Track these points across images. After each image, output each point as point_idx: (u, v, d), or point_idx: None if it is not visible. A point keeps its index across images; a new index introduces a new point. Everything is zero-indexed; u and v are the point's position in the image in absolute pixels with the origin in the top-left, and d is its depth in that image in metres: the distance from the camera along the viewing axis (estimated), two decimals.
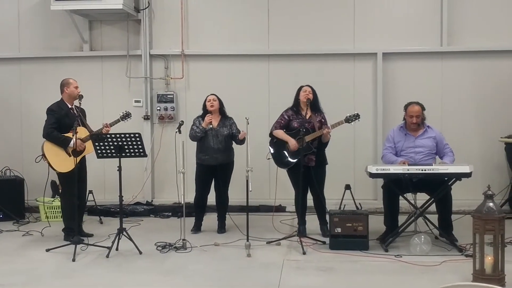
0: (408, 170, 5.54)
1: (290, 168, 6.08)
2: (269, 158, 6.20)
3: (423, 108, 5.94)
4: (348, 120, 5.89)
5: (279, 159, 6.14)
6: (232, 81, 7.47)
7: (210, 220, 6.56)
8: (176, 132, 5.67)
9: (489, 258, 4.53)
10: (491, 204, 4.79)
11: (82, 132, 5.96)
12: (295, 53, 7.44)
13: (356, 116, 5.86)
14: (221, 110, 6.39)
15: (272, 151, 6.15)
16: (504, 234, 4.63)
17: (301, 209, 6.13)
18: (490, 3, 7.06)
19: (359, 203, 6.90)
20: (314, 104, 6.11)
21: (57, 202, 6.96)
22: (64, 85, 6.10)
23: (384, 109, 7.31)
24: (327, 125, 6.00)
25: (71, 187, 5.65)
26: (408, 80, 7.29)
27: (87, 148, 5.99)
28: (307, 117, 6.07)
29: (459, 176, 5.54)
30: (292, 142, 6.01)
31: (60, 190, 6.25)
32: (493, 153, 7.04)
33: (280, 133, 6.14)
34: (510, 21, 6.93)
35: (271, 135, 6.21)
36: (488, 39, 7.03)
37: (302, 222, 6.14)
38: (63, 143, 5.89)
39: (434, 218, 5.83)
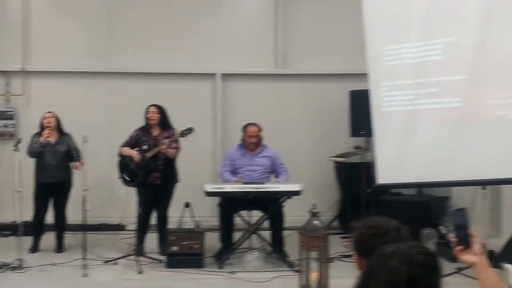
0: (242, 188, 5.59)
1: (136, 186, 5.87)
2: (119, 178, 6.00)
3: (260, 129, 5.98)
4: (182, 134, 5.76)
5: (124, 178, 5.97)
6: (72, 99, 7.09)
7: (49, 239, 6.16)
8: (14, 149, 5.40)
9: (314, 273, 4.56)
10: (316, 221, 4.86)
11: None
12: (136, 72, 7.19)
13: (190, 130, 5.74)
14: (59, 127, 6.09)
15: (119, 170, 5.97)
16: (328, 250, 4.67)
17: (142, 228, 5.95)
18: (322, 29, 7.32)
19: (199, 221, 6.72)
20: (162, 122, 5.97)
21: None
22: None
23: (223, 128, 7.31)
24: (165, 142, 5.80)
25: None
26: (247, 100, 7.36)
27: None
28: (155, 135, 5.93)
29: (289, 194, 5.70)
30: (133, 154, 5.85)
31: None
32: (323, 172, 7.24)
33: (126, 150, 5.97)
34: (339, 46, 7.20)
35: (120, 154, 5.99)
36: (319, 63, 7.28)
37: (140, 241, 5.95)
38: None
39: (268, 234, 5.89)
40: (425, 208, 6.29)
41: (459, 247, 2.03)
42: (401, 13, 5.28)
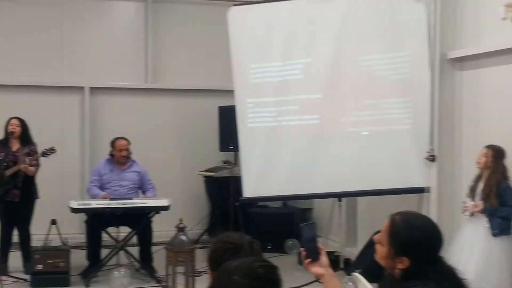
0: (109, 204, 5.47)
1: None
2: None
3: (129, 142, 5.98)
4: (44, 154, 5.55)
5: None
6: None
7: None
8: None
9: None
10: (183, 236, 4.87)
11: None
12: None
13: (52, 150, 5.55)
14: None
15: None
16: (195, 264, 4.71)
17: (4, 246, 5.68)
18: (192, 46, 7.38)
19: (65, 238, 6.46)
20: (23, 136, 5.71)
21: None
22: None
23: (91, 143, 7.13)
24: (25, 160, 5.52)
25: None
26: (116, 115, 7.24)
27: None
28: (15, 150, 5.66)
29: (157, 209, 5.67)
30: None
31: None
32: (193, 186, 7.28)
33: None
34: (209, 63, 7.33)
35: None
36: (190, 79, 7.36)
37: (3, 260, 5.67)
38: None
39: (136, 250, 5.84)
40: (289, 220, 6.54)
41: (307, 260, 2.14)
42: (263, 34, 5.50)
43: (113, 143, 5.98)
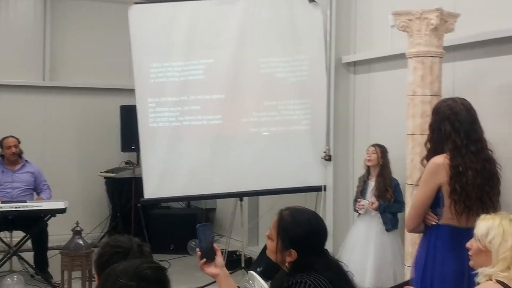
0: (1, 208, 5.22)
1: None
2: None
3: (19, 141, 5.73)
4: None
5: None
6: None
7: None
8: None
9: None
10: (79, 240, 4.73)
11: None
12: None
13: None
14: None
15: None
16: (92, 268, 4.58)
17: None
18: (93, 44, 7.19)
19: None
20: None
21: None
22: None
23: None
24: None
25: None
26: (13, 112, 6.87)
27: None
28: None
29: (53, 212, 5.46)
30: None
31: None
32: (95, 187, 7.11)
33: None
34: (111, 61, 7.17)
35: None
36: (90, 77, 7.18)
37: None
38: None
39: (31, 256, 5.60)
40: (193, 220, 6.51)
41: (202, 261, 2.16)
42: (165, 34, 5.45)
43: (1, 142, 5.72)
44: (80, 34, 7.17)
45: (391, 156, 4.51)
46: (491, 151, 2.95)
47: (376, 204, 4.41)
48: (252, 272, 2.96)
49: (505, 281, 2.08)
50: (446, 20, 3.75)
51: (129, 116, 6.48)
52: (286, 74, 5.32)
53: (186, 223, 6.50)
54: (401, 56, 3.99)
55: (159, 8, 5.55)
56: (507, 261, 2.10)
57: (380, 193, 4.44)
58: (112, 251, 2.08)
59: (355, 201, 4.60)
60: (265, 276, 2.77)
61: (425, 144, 3.03)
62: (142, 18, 5.50)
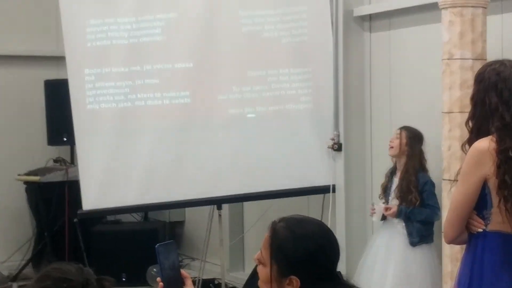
0: None
1: None
2: None
3: None
4: None
5: None
6: None
7: None
8: None
9: None
10: None
11: None
12: None
13: None
14: None
15: None
16: None
17: None
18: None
19: None
20: None
21: None
22: None
23: None
24: None
25: None
26: None
27: None
28: None
29: None
30: None
31: None
32: (11, 197, 7.31)
33: None
34: (27, 20, 7.39)
35: None
36: (1, 42, 7.35)
37: None
38: None
39: None
40: (152, 239, 6.72)
41: None
42: None
43: None
44: None
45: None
46: None
47: (394, 209, 4.72)
48: None
49: None
50: None
51: (58, 95, 6.57)
52: (278, 32, 5.52)
53: (142, 243, 6.69)
54: (432, 7, 4.30)
55: None
56: None
57: (402, 195, 4.75)
58: (54, 286, 2.02)
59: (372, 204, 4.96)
60: None
61: (466, 123, 3.14)
62: None
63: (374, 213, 4.83)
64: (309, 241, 2.17)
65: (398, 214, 4.72)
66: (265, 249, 2.22)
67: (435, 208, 4.60)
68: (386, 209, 4.77)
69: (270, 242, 2.21)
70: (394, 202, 4.82)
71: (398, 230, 4.79)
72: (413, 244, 4.70)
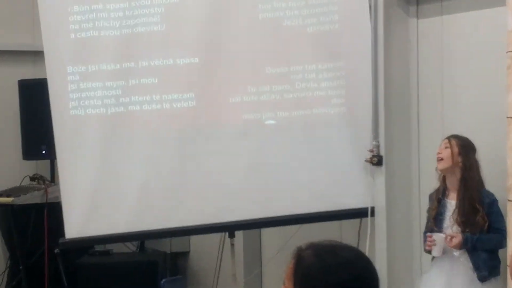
0: None
1: None
2: None
3: None
4: None
5: None
6: None
7: None
8: None
9: None
10: None
11: None
12: None
13: None
14: None
15: None
16: None
17: None
18: None
19: None
20: None
21: None
22: None
23: None
24: None
25: None
26: None
27: None
28: None
29: None
30: None
31: None
32: None
33: None
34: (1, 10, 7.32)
35: None
36: None
37: None
38: None
39: None
40: (150, 273, 6.67)
41: None
42: None
43: None
44: None
45: (480, 153, 4.62)
46: None
47: (459, 238, 4.52)
48: None
49: None
50: None
51: (34, 98, 6.58)
52: (303, 20, 5.41)
53: (138, 278, 6.66)
54: None
55: None
56: None
57: (466, 219, 4.55)
58: None
59: (425, 234, 4.71)
60: None
61: None
62: None
63: (434, 245, 4.57)
64: (341, 271, 2.12)
65: (464, 244, 4.51)
66: (289, 281, 2.17)
67: (504, 232, 4.35)
68: (451, 239, 4.50)
69: (294, 271, 2.16)
70: (454, 229, 4.59)
71: (461, 265, 4.57)
72: (482, 279, 4.49)
